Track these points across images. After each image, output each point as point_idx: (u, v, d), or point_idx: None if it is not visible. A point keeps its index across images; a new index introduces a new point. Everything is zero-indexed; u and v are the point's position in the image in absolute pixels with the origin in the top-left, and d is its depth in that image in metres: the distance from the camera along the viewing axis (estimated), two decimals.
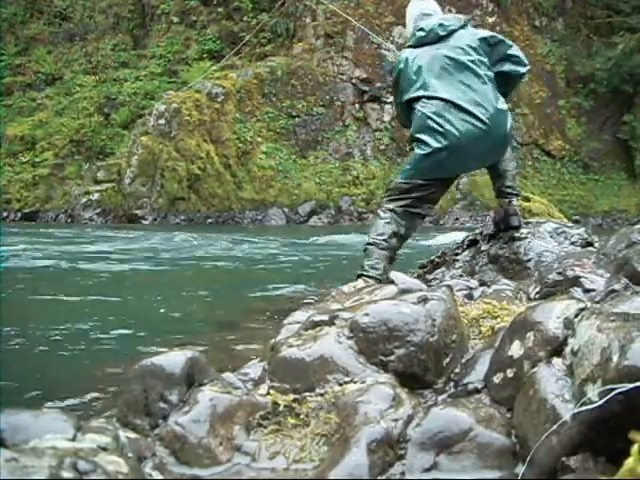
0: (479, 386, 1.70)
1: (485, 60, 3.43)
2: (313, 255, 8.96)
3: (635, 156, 19.85)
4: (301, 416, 1.61)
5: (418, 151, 3.36)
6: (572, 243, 3.43)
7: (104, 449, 1.30)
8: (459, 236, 4.67)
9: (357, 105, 18.91)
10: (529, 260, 3.36)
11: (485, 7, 20.25)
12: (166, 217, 16.16)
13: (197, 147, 16.63)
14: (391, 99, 3.96)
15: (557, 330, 1.55)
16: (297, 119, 18.26)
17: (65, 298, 5.22)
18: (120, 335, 3.84)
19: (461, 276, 3.59)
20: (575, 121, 20.48)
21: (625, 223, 15.05)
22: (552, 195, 17.57)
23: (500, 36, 3.59)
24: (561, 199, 17.94)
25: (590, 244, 3.40)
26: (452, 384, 1.75)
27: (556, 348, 1.53)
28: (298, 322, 2.03)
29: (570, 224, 3.86)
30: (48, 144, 17.92)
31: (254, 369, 2.00)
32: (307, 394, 1.66)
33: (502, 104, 3.39)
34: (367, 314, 1.78)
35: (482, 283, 3.09)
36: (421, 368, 1.72)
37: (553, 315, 1.59)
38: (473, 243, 3.90)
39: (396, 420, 1.52)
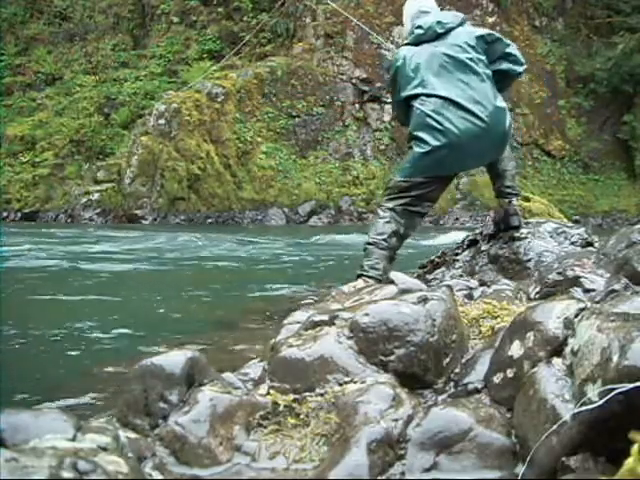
0: (479, 386, 1.70)
1: (483, 58, 3.43)
2: (313, 255, 8.96)
3: (635, 156, 19.85)
4: (301, 416, 1.61)
5: (417, 149, 3.35)
6: (572, 243, 3.43)
7: (104, 449, 1.30)
8: (459, 236, 4.67)
9: (357, 105, 18.92)
10: (529, 260, 3.36)
11: (485, 7, 20.26)
12: (166, 217, 16.17)
13: (197, 147, 16.63)
14: (391, 99, 3.97)
15: (557, 330, 1.55)
16: (297, 119, 18.27)
17: (65, 298, 5.23)
18: (120, 335, 3.84)
19: (461, 276, 3.59)
20: (575, 121, 20.48)
21: (625, 223, 15.05)
22: (552, 195, 17.58)
23: (497, 34, 3.58)
24: (561, 199, 17.95)
25: (590, 244, 3.40)
26: (452, 384, 1.75)
27: (556, 348, 1.53)
28: (298, 322, 2.03)
29: (570, 224, 3.86)
30: (48, 144, 17.92)
31: (254, 369, 2.00)
32: (307, 394, 1.66)
33: (501, 102, 3.39)
34: (367, 314, 1.78)
35: (482, 283, 3.09)
36: (421, 368, 1.72)
37: (553, 315, 1.59)
38: (473, 243, 3.90)
39: (396, 420, 1.52)
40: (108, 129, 18.27)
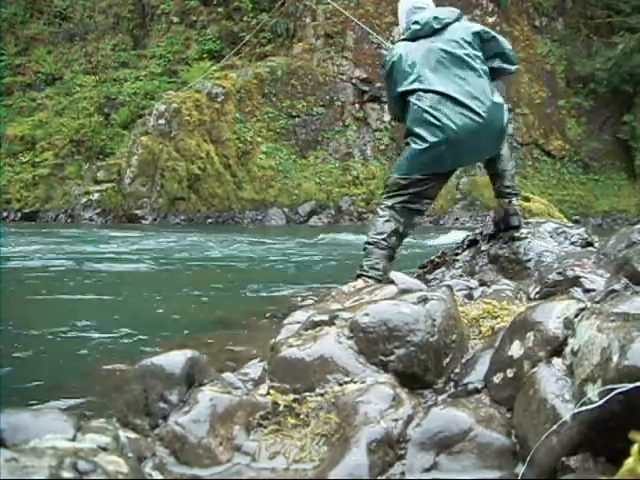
0: (479, 386, 1.70)
1: (479, 54, 3.42)
2: (313, 255, 8.96)
3: (635, 156, 19.86)
4: (301, 416, 1.61)
5: (414, 146, 3.33)
6: (572, 243, 3.43)
7: (104, 449, 1.30)
8: (459, 236, 4.67)
9: (357, 105, 18.92)
10: (529, 260, 3.36)
11: (485, 7, 20.27)
12: (166, 217, 16.18)
13: (197, 147, 16.64)
14: (387, 94, 3.95)
15: (557, 330, 1.55)
16: (297, 119, 18.27)
17: (65, 298, 5.23)
18: (120, 335, 3.84)
19: (461, 276, 3.59)
20: (575, 121, 20.49)
21: (625, 223, 15.05)
22: (552, 195, 17.59)
23: (493, 32, 3.56)
24: (561, 199, 17.96)
25: (590, 244, 3.40)
26: (452, 384, 1.75)
27: (556, 348, 1.53)
28: (298, 322, 2.03)
29: (570, 224, 3.86)
30: (48, 144, 17.93)
31: (254, 369, 2.00)
32: (307, 394, 1.66)
33: (498, 97, 3.38)
34: (367, 314, 1.78)
35: (482, 283, 3.09)
36: (421, 368, 1.72)
37: (553, 315, 1.59)
38: (473, 243, 3.90)
39: (396, 420, 1.52)
40: (108, 129, 18.28)
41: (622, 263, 2.26)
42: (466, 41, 3.41)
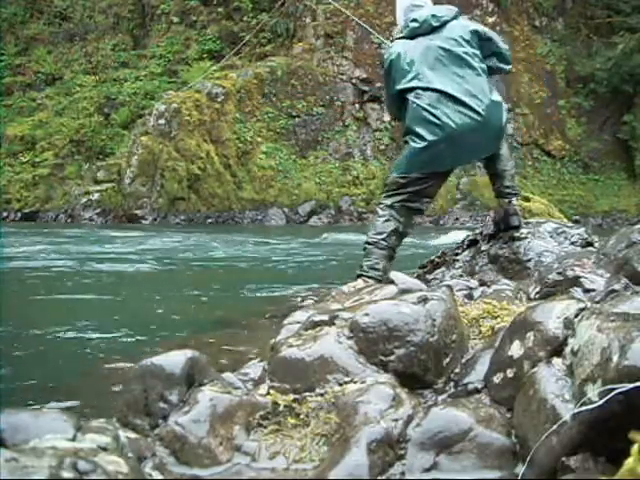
0: (479, 386, 1.70)
1: (478, 52, 3.42)
2: (313, 255, 8.96)
3: (635, 156, 19.86)
4: (301, 416, 1.61)
5: (413, 144, 3.32)
6: (572, 243, 3.43)
7: (104, 449, 1.30)
8: (459, 236, 4.67)
9: (357, 105, 18.92)
10: (529, 260, 3.36)
11: (485, 7, 20.26)
12: (166, 217, 16.18)
13: (197, 147, 16.64)
14: (385, 92, 3.95)
15: (557, 330, 1.55)
16: (297, 119, 18.27)
17: (65, 298, 5.23)
18: (120, 335, 3.84)
19: (461, 276, 3.59)
20: (575, 121, 20.49)
21: (625, 223, 15.05)
22: (552, 195, 17.59)
23: (490, 32, 3.56)
24: (561, 199, 17.96)
25: (590, 244, 3.40)
26: (452, 384, 1.75)
27: (556, 348, 1.53)
28: (298, 322, 2.03)
29: (570, 224, 3.86)
30: (48, 144, 17.93)
31: (254, 369, 2.00)
32: (307, 394, 1.66)
33: (496, 96, 3.38)
34: (367, 314, 1.78)
35: (482, 283, 3.09)
36: (421, 368, 1.72)
37: (553, 315, 1.59)
38: (473, 243, 3.90)
39: (396, 420, 1.52)
40: (108, 129, 18.28)
41: (622, 263, 2.26)
42: (464, 39, 3.41)
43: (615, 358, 1.28)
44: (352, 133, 18.67)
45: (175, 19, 20.28)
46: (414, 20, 3.48)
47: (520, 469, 1.40)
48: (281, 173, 17.57)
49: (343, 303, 2.14)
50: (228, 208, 16.86)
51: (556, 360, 1.50)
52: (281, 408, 1.63)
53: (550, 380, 1.45)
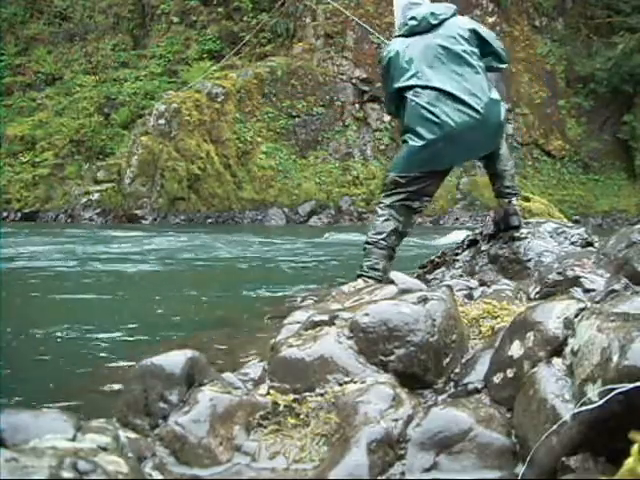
0: (479, 386, 1.70)
1: (476, 50, 3.42)
2: (313, 255, 8.96)
3: (635, 156, 19.85)
4: (301, 416, 1.61)
5: (412, 143, 3.32)
6: (572, 243, 3.43)
7: (104, 449, 1.30)
8: (459, 236, 4.67)
9: (357, 105, 18.92)
10: (529, 260, 3.36)
11: (485, 7, 20.26)
12: (166, 217, 16.17)
13: (197, 147, 16.63)
14: (383, 91, 3.96)
15: (557, 330, 1.55)
16: (297, 119, 18.27)
17: (65, 298, 5.23)
18: (120, 335, 3.84)
19: (461, 276, 3.59)
20: (575, 121, 20.48)
21: (625, 223, 15.05)
22: (552, 195, 17.58)
23: (487, 32, 3.57)
24: (561, 199, 17.95)
25: (590, 244, 3.40)
26: (452, 384, 1.75)
27: (556, 348, 1.53)
28: (298, 322, 2.03)
29: (570, 224, 3.86)
30: (48, 144, 17.93)
31: (254, 369, 2.00)
32: (307, 394, 1.66)
33: (495, 94, 3.38)
34: (367, 314, 1.78)
35: (482, 283, 3.09)
36: (421, 368, 1.72)
37: (553, 315, 1.59)
38: (473, 243, 3.90)
39: (396, 420, 1.52)
40: (108, 129, 18.27)
41: (622, 263, 2.26)
42: (463, 37, 3.41)
43: (615, 358, 1.28)
44: (352, 133, 18.66)
45: (175, 19, 20.28)
46: (413, 18, 3.47)
47: (520, 469, 1.40)
48: (281, 173, 17.56)
49: (343, 303, 2.14)
50: (228, 208, 16.86)
51: (556, 360, 1.50)
52: (281, 408, 1.63)
53: (550, 380, 1.45)
